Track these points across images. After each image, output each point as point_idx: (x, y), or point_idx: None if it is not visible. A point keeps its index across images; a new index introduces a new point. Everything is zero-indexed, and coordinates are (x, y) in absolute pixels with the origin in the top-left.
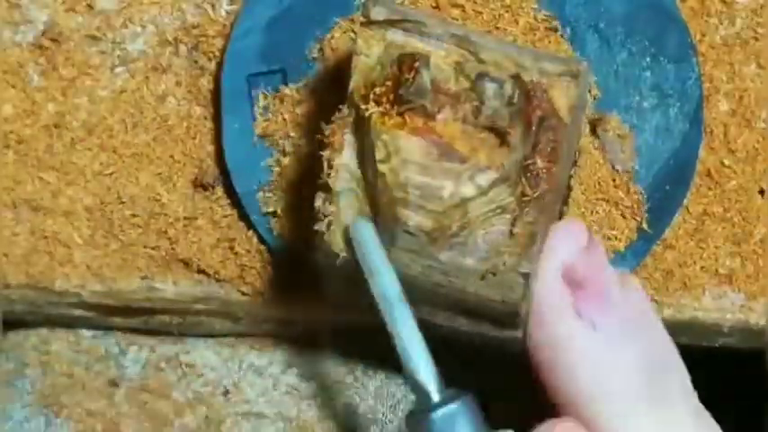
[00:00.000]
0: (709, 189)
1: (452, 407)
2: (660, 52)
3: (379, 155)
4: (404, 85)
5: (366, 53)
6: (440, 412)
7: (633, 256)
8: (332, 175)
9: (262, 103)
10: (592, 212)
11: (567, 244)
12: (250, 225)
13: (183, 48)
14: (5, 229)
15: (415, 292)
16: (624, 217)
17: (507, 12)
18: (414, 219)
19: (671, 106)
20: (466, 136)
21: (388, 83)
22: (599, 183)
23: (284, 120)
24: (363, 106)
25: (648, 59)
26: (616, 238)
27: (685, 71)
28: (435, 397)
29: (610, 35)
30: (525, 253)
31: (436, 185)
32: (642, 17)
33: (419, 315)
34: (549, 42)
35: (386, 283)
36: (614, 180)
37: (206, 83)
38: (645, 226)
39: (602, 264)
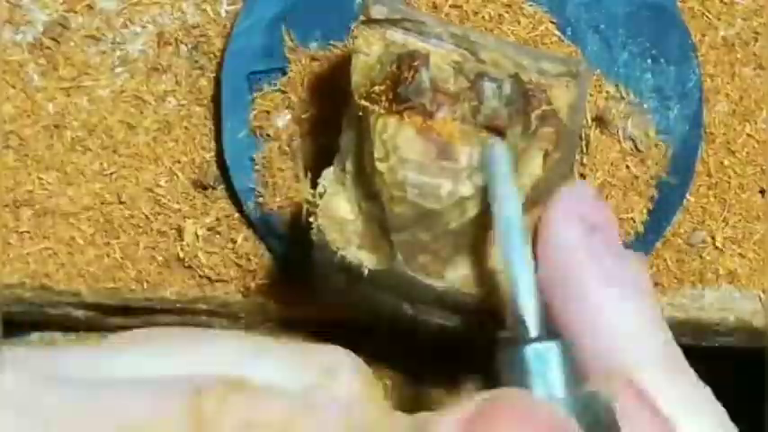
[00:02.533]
0: (709, 189)
1: (548, 344)
2: (661, 54)
3: (378, 153)
4: (403, 83)
5: (366, 52)
6: (534, 346)
7: None
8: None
9: (262, 101)
10: None
11: (577, 194)
12: (250, 224)
13: (183, 48)
14: (5, 229)
15: (412, 291)
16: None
17: (508, 12)
18: None
19: (671, 108)
20: (464, 135)
21: (388, 81)
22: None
23: (285, 118)
24: (363, 104)
25: (649, 61)
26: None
27: (686, 73)
28: (533, 332)
29: (611, 36)
30: None
31: (434, 184)
32: (643, 18)
33: (417, 314)
34: (551, 43)
35: (511, 208)
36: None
37: (206, 83)
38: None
39: (613, 219)
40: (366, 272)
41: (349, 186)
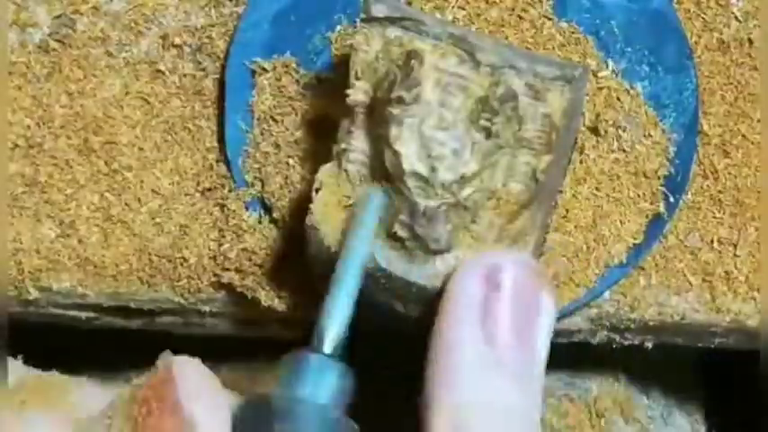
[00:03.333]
0: (705, 190)
1: (334, 363)
2: (658, 62)
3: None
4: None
5: (365, 49)
6: (319, 356)
7: (627, 261)
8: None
9: (265, 97)
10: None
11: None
12: (254, 224)
13: (187, 49)
14: (10, 229)
15: (402, 290)
16: (622, 223)
17: (511, 15)
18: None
19: (667, 116)
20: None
21: (390, 77)
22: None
23: (287, 112)
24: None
25: (647, 69)
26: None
27: (682, 82)
28: (327, 349)
29: (610, 43)
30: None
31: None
32: (642, 26)
33: (408, 313)
34: (552, 48)
35: (363, 245)
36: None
37: (210, 84)
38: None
39: (532, 289)
40: None
41: (345, 183)
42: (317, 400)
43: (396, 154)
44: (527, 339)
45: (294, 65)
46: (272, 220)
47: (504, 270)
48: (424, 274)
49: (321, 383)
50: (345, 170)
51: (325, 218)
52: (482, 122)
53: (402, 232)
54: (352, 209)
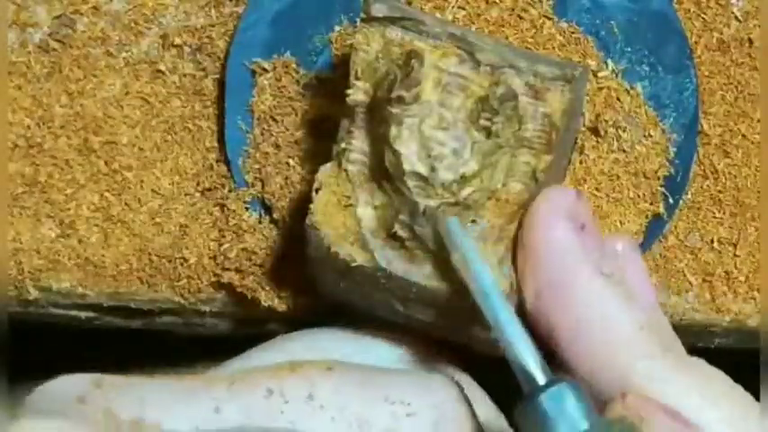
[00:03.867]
0: (705, 190)
1: (560, 387)
2: (659, 62)
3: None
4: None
5: (365, 49)
6: (548, 392)
7: None
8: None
9: (264, 94)
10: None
11: (562, 194)
12: (254, 224)
13: (187, 49)
14: (10, 229)
15: (402, 290)
16: (622, 223)
17: (511, 15)
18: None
19: (667, 116)
20: None
21: (390, 77)
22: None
23: (287, 112)
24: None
25: (647, 69)
26: None
27: (682, 82)
28: (541, 380)
29: (610, 43)
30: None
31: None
32: (643, 26)
33: (409, 313)
34: (553, 48)
35: (483, 275)
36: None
37: (210, 84)
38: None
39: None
40: (357, 268)
41: (345, 183)
42: (584, 427)
43: (396, 154)
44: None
45: (294, 65)
46: (272, 221)
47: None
48: (423, 273)
49: (568, 413)
50: (345, 170)
51: (325, 218)
52: (482, 122)
53: (402, 232)
54: None
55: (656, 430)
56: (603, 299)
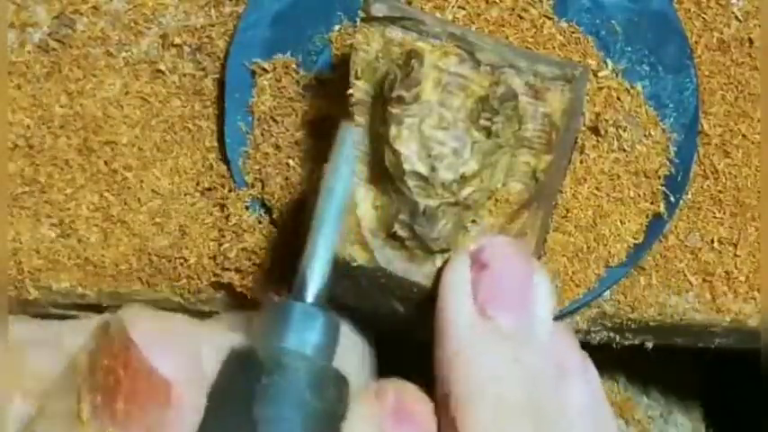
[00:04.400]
0: (705, 190)
1: (317, 311)
2: (659, 62)
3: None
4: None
5: (365, 49)
6: (303, 305)
7: (627, 261)
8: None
9: (264, 94)
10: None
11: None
12: (254, 224)
13: (187, 49)
14: (10, 229)
15: (401, 290)
16: (622, 223)
17: (511, 14)
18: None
19: (667, 116)
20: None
21: (390, 77)
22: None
23: (287, 112)
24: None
25: (647, 68)
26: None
27: (683, 82)
28: (310, 298)
29: (610, 43)
30: None
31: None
32: (643, 26)
33: (407, 313)
34: (553, 48)
35: (342, 185)
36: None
37: (210, 84)
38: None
39: (518, 259)
40: (357, 268)
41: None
42: (304, 351)
43: (396, 153)
44: (522, 306)
45: (294, 65)
46: (272, 221)
47: (487, 249)
48: (423, 273)
49: (307, 333)
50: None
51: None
52: (482, 122)
53: (402, 232)
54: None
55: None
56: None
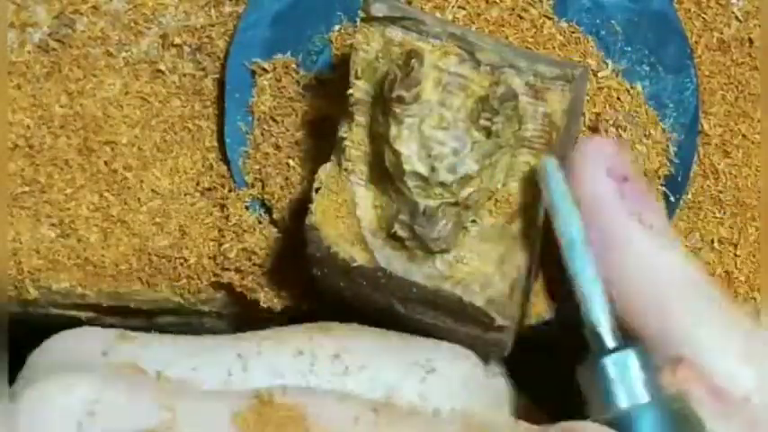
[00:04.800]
0: (705, 190)
1: (625, 352)
2: (659, 62)
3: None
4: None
5: (365, 48)
6: (613, 356)
7: None
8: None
9: (264, 94)
10: None
11: (598, 147)
12: (254, 224)
13: (187, 49)
14: (9, 229)
15: (402, 290)
16: None
17: (511, 15)
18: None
19: (667, 116)
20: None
21: (390, 77)
22: None
23: (287, 113)
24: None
25: (647, 68)
26: None
27: (683, 82)
28: (610, 343)
29: (610, 43)
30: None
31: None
32: (643, 26)
33: (409, 313)
34: (553, 48)
35: (572, 225)
36: None
37: (210, 84)
38: None
39: (637, 168)
40: (357, 268)
41: (345, 183)
42: (643, 399)
43: (396, 153)
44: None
45: (294, 65)
46: (272, 221)
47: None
48: (424, 273)
49: (631, 379)
50: (345, 170)
51: (325, 218)
52: (482, 122)
53: (402, 232)
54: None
55: (702, 408)
56: (650, 252)
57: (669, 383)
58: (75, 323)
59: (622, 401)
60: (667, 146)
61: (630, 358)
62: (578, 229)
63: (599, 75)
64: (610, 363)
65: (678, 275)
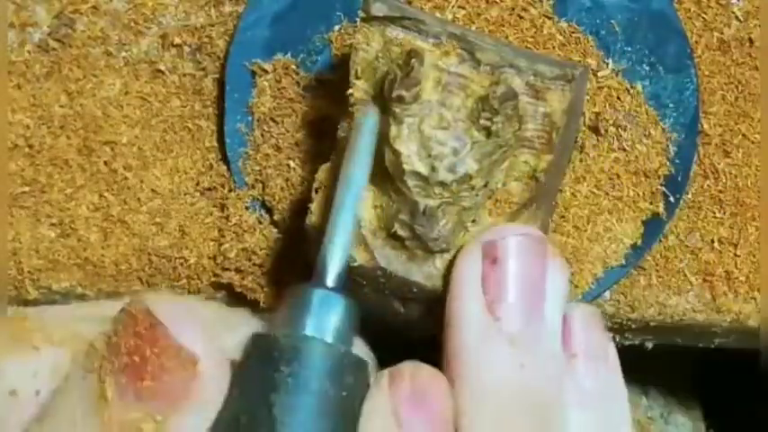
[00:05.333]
0: (705, 190)
1: (337, 296)
2: (659, 62)
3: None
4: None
5: (365, 48)
6: (323, 292)
7: (627, 261)
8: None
9: (265, 96)
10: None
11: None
12: (254, 224)
13: (187, 49)
14: (9, 229)
15: (401, 289)
16: (622, 222)
17: (511, 14)
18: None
19: (667, 116)
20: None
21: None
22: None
23: (287, 113)
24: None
25: (647, 68)
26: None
27: (683, 82)
28: (330, 282)
29: (610, 43)
30: None
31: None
32: (643, 26)
33: (407, 313)
34: (553, 48)
35: (360, 171)
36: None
37: (209, 84)
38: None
39: (530, 255)
40: (357, 268)
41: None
42: (324, 337)
43: (396, 153)
44: (532, 309)
45: (294, 66)
46: (273, 221)
47: (499, 243)
48: (423, 273)
49: (326, 319)
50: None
51: (324, 218)
52: (482, 122)
53: (402, 232)
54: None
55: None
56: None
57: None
58: None
59: (308, 331)
60: (667, 146)
61: (339, 304)
62: (363, 177)
63: (599, 74)
64: (318, 296)
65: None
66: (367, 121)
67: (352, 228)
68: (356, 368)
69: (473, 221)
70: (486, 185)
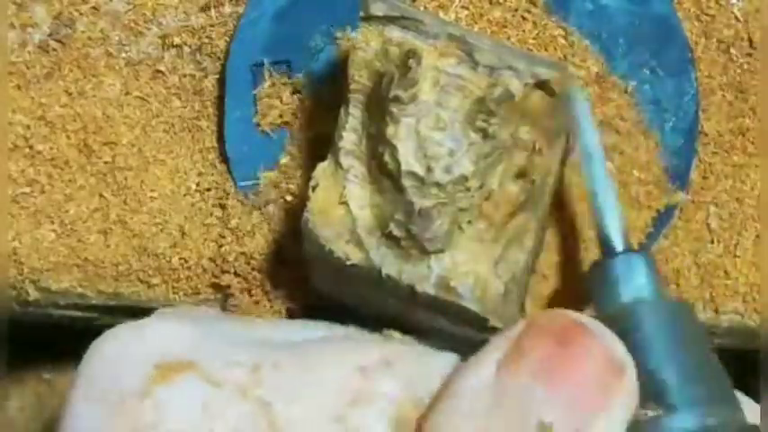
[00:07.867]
0: (704, 191)
1: (634, 255)
2: (660, 66)
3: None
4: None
5: (364, 48)
6: (621, 257)
7: None
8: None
9: (265, 95)
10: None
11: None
12: (254, 225)
13: (187, 49)
14: (10, 229)
15: (397, 289)
16: None
17: (514, 16)
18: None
19: (667, 121)
20: None
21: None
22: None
23: (287, 112)
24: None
25: (648, 72)
26: None
27: (683, 86)
28: (619, 246)
29: (611, 46)
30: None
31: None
32: (645, 29)
33: (404, 313)
34: (555, 51)
35: (591, 140)
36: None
37: (210, 84)
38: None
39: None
40: (351, 267)
41: (342, 182)
42: (648, 297)
43: (392, 153)
44: None
45: (294, 65)
46: (272, 222)
47: None
48: (418, 274)
49: (637, 280)
50: (342, 169)
51: (321, 216)
52: (479, 123)
53: (397, 232)
54: None
55: None
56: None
57: None
58: (75, 323)
59: (626, 298)
60: (666, 149)
61: (636, 260)
62: (596, 145)
63: (600, 77)
64: (616, 263)
65: None
66: (578, 95)
67: (613, 193)
68: (688, 311)
69: (469, 222)
70: (481, 187)
